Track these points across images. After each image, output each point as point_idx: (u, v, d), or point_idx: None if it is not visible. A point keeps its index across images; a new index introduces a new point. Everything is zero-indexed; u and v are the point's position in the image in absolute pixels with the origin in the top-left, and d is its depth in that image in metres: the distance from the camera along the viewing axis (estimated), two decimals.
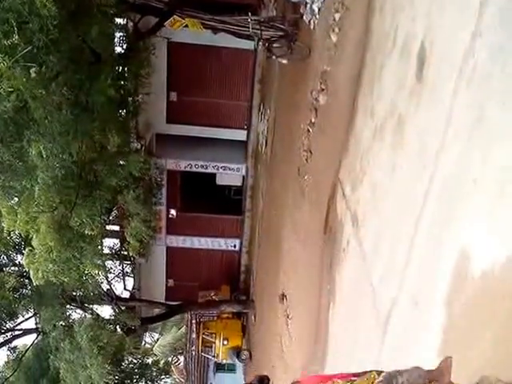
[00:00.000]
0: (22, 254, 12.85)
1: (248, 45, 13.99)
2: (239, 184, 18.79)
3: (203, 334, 19.44)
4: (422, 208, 4.96)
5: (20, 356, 15.11)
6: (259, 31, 10.86)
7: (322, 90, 9.27)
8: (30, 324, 16.24)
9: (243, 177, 18.37)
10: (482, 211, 3.97)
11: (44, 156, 8.49)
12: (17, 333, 16.02)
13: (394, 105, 5.85)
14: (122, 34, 12.35)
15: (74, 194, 9.75)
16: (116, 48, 12.00)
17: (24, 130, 8.33)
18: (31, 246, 10.24)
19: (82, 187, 10.02)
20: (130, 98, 11.97)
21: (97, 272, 12.32)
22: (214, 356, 19.96)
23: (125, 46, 12.16)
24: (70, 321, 13.69)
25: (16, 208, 9.46)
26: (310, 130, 10.11)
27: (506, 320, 3.63)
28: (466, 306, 4.13)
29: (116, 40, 11.99)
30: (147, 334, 25.36)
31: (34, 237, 9.88)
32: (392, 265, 5.74)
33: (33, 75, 7.27)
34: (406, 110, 5.50)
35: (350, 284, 7.42)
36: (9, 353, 15.53)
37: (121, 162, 12.09)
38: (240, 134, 17.65)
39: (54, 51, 7.66)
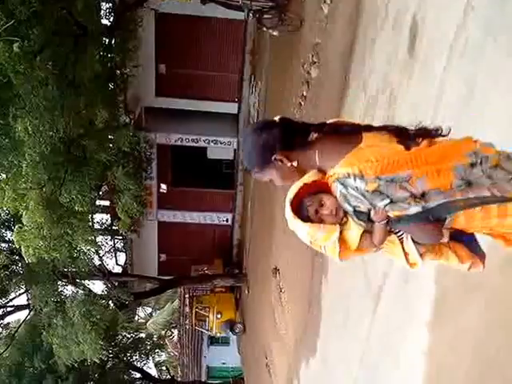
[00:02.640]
0: (12, 230, 12.79)
1: (238, 15, 13.73)
2: (231, 158, 18.67)
3: (196, 307, 19.57)
4: None
5: (13, 332, 15.18)
6: (249, 2, 10.63)
7: (314, 62, 9.12)
8: (22, 300, 16.30)
9: (235, 150, 18.23)
10: None
11: (31, 132, 8.35)
12: (9, 309, 16.07)
13: (386, 79, 5.76)
14: (108, 5, 12.07)
15: (62, 171, 9.63)
16: (102, 20, 11.75)
17: (9, 106, 8.16)
18: (21, 222, 10.17)
19: (71, 163, 9.89)
20: (118, 72, 11.77)
21: (88, 248, 12.29)
22: (207, 329, 20.14)
23: (111, 19, 11.90)
24: (62, 297, 13.69)
25: (3, 185, 9.34)
26: (302, 103, 9.99)
27: (493, 292, 3.67)
28: (455, 279, 4.15)
29: (102, 12, 11.74)
30: (140, 308, 25.55)
31: (24, 214, 9.78)
32: None
33: (16, 50, 7.07)
34: (397, 85, 5.42)
35: None
36: (1, 329, 15.62)
37: (109, 137, 11.94)
38: (231, 107, 17.44)
39: (37, 24, 7.45)
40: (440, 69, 4.39)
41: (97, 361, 12.79)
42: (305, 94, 9.77)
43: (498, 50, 3.66)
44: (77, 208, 10.34)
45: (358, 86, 6.74)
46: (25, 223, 9.83)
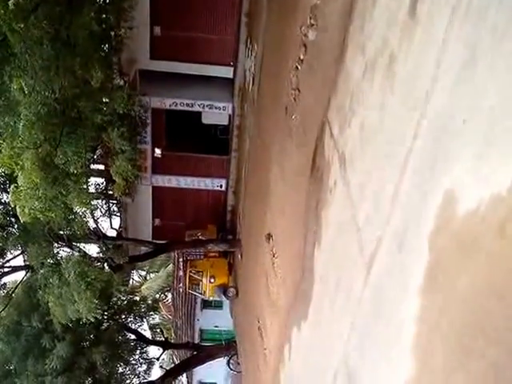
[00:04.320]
0: (8, 192, 12.77)
1: None
2: (225, 123, 18.58)
3: (190, 271, 19.79)
4: (410, 148, 4.95)
5: (10, 292, 15.34)
6: None
7: (312, 25, 8.99)
8: (19, 261, 16.42)
9: (229, 116, 18.13)
10: (470, 151, 3.97)
11: (26, 92, 8.28)
12: (6, 270, 16.20)
13: (385, 42, 5.71)
14: None
15: (58, 131, 9.58)
16: None
17: (4, 65, 8.06)
18: (16, 183, 10.17)
19: (66, 124, 9.84)
20: (113, 33, 11.59)
21: (83, 209, 12.34)
22: (201, 293, 20.42)
23: None
24: (58, 258, 13.81)
25: (0, 142, 9.31)
26: (299, 67, 9.89)
27: (489, 257, 3.70)
28: (449, 244, 4.20)
29: None
30: (135, 271, 25.79)
31: (19, 174, 9.78)
32: (378, 205, 5.78)
33: (11, 7, 6.95)
34: (397, 48, 5.37)
35: (336, 225, 7.49)
36: None
37: (104, 99, 11.84)
38: (226, 71, 17.26)
39: None
40: (441, 31, 4.36)
41: (92, 320, 13.00)
42: (302, 57, 9.66)
43: (503, 13, 3.63)
44: (72, 170, 10.34)
45: (357, 49, 6.67)
46: (20, 184, 9.83)
